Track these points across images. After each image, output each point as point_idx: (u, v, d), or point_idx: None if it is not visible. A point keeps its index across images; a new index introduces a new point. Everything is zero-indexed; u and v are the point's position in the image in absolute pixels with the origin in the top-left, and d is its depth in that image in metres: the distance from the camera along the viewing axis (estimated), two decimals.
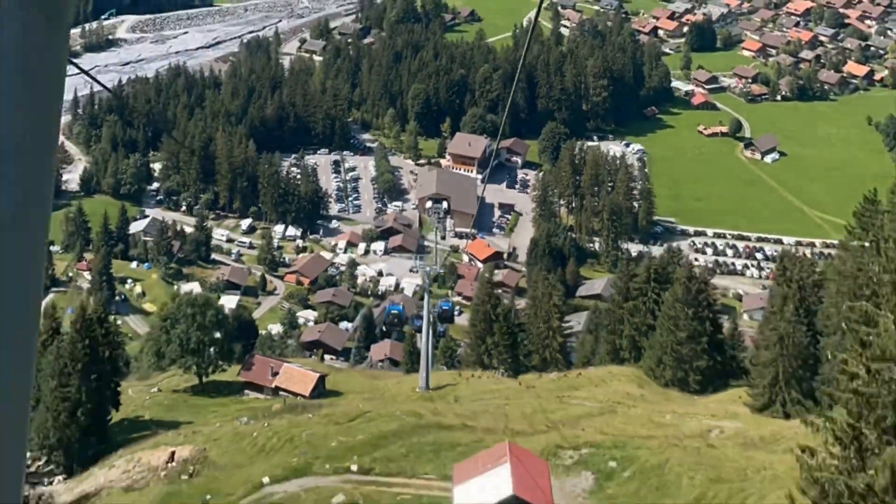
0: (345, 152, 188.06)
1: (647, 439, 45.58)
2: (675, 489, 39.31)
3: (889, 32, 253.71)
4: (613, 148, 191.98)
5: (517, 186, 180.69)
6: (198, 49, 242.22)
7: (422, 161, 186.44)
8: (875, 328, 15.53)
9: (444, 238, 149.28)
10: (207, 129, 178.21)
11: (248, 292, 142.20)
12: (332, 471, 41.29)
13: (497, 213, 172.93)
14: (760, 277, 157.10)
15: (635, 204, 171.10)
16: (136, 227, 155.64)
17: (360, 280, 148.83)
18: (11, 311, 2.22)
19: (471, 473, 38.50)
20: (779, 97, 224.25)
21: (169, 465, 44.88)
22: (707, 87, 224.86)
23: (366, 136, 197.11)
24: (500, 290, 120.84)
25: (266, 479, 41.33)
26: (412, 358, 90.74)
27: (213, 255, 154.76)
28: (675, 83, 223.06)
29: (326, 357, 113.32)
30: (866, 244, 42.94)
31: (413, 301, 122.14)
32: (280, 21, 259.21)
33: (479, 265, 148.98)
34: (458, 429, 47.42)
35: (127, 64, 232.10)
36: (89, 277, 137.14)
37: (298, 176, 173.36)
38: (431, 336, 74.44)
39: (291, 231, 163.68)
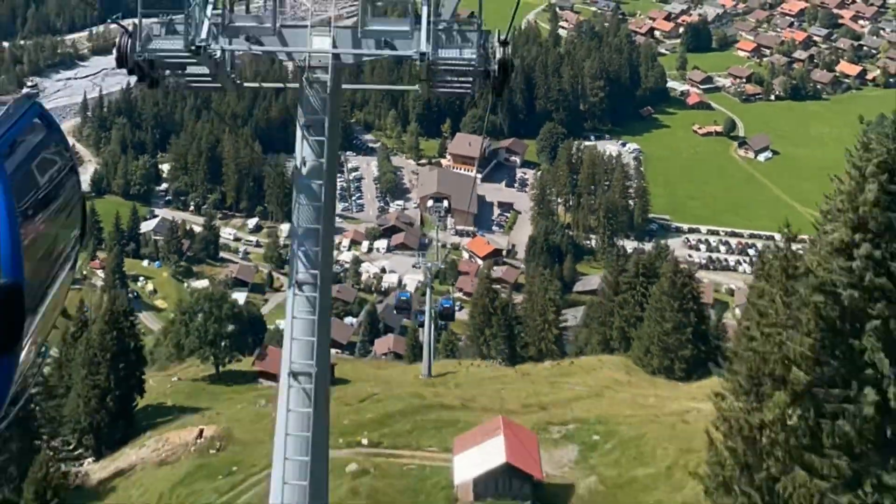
0: (348, 153, 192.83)
1: (628, 417, 50.43)
2: (651, 458, 44.15)
3: (882, 32, 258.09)
4: (610, 147, 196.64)
5: (516, 185, 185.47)
6: None
7: (423, 161, 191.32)
8: (769, 302, 20.30)
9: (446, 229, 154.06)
10: (214, 131, 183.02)
11: (256, 289, 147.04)
12: (346, 444, 46.16)
13: (496, 211, 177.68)
14: (752, 273, 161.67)
15: (631, 202, 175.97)
16: (146, 226, 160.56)
17: (363, 277, 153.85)
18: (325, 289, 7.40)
19: (469, 444, 43.41)
20: (772, 97, 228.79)
21: (198, 441, 49.79)
22: (702, 87, 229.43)
23: (368, 136, 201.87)
24: (499, 286, 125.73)
25: None
26: (414, 352, 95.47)
27: (222, 254, 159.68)
28: (670, 83, 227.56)
29: (332, 351, 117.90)
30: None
31: (416, 296, 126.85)
32: None
33: (480, 262, 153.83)
34: (458, 409, 52.32)
35: None
36: (103, 275, 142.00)
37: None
38: (433, 329, 79.16)
39: None
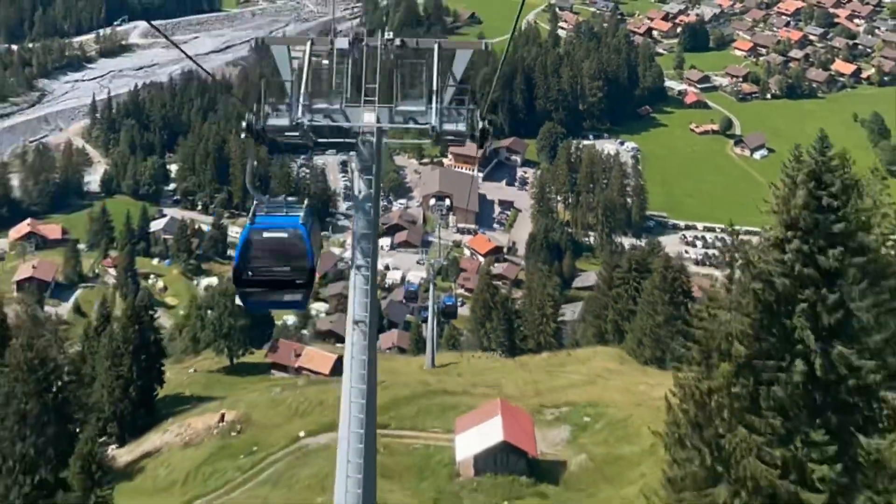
0: (351, 153, 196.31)
1: (617, 401, 54.39)
2: (636, 438, 48.08)
3: (877, 31, 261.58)
4: (608, 146, 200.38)
5: (516, 184, 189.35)
6: (208, 53, 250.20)
7: (425, 160, 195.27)
8: (716, 288, 24.19)
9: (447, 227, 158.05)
10: (221, 132, 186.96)
11: None
12: None
13: (497, 209, 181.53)
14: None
15: (629, 200, 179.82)
16: (156, 225, 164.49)
17: None
18: (374, 268, 13.31)
19: (469, 425, 47.45)
20: (768, 95, 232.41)
21: (220, 424, 53.84)
22: (699, 86, 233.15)
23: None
24: (500, 282, 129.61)
25: (302, 433, 50.34)
26: (418, 346, 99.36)
27: (230, 252, 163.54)
28: (668, 83, 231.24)
29: (338, 345, 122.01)
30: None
31: (419, 293, 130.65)
32: (287, 25, 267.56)
33: (481, 259, 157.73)
34: (460, 394, 56.37)
35: (140, 69, 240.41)
36: (115, 273, 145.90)
37: (308, 176, 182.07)
38: (436, 324, 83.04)
39: None
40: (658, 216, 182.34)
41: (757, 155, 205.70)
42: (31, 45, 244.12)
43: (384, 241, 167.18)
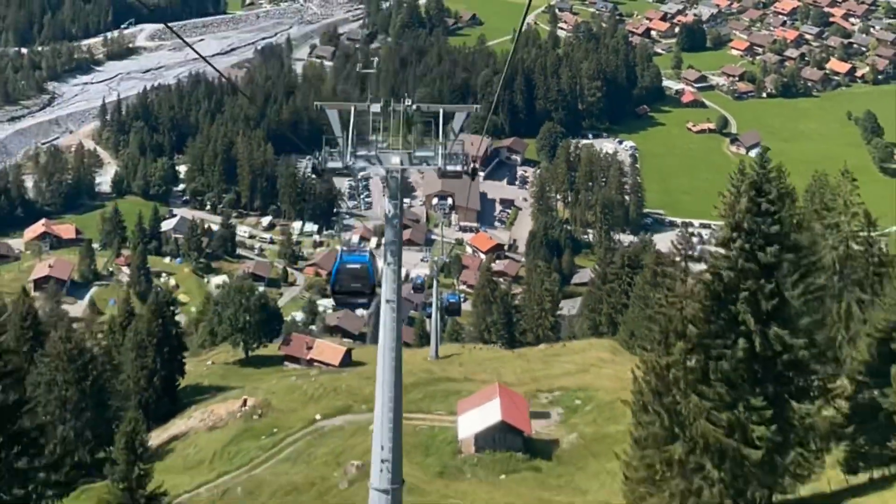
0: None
1: (607, 387, 59.07)
2: (623, 418, 52.48)
3: (871, 30, 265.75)
4: (607, 145, 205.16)
5: (517, 183, 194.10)
6: (214, 56, 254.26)
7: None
8: (674, 279, 28.88)
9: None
10: (228, 134, 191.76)
11: (272, 284, 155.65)
12: (367, 409, 54.88)
13: (498, 207, 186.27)
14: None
15: (626, 197, 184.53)
16: (166, 225, 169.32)
17: None
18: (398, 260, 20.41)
19: (470, 407, 52.27)
20: (764, 94, 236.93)
21: (242, 409, 58.71)
22: (696, 85, 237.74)
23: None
24: (500, 279, 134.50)
25: (318, 416, 55.20)
26: (422, 340, 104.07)
27: (238, 251, 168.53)
28: (665, 82, 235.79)
29: (346, 340, 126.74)
30: None
31: (425, 286, 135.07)
32: (291, 27, 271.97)
33: (482, 256, 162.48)
34: (462, 381, 61.17)
35: (148, 71, 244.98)
36: (128, 272, 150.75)
37: (314, 176, 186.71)
38: (440, 319, 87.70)
39: (309, 227, 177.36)
40: (655, 213, 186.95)
41: (752, 153, 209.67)
42: (40, 49, 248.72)
43: None
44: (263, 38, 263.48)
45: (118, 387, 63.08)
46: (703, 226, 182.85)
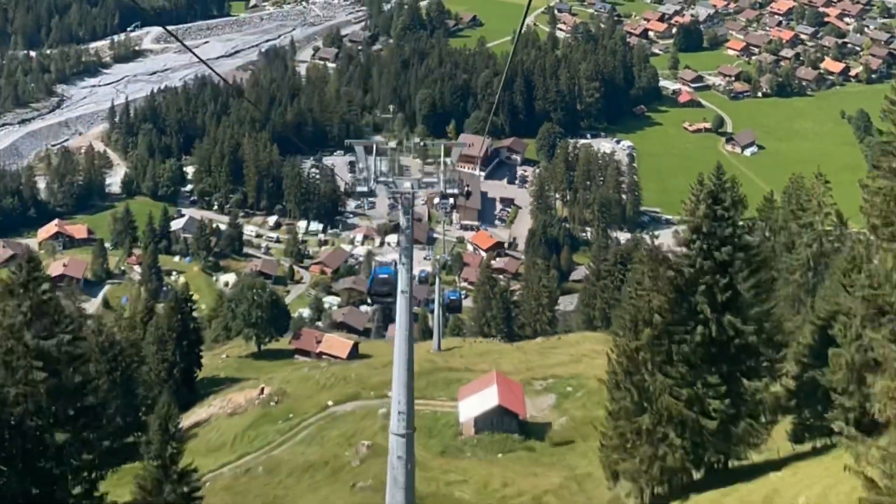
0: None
1: (597, 375, 63.76)
2: None
3: (866, 30, 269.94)
4: (605, 145, 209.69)
5: (517, 182, 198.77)
6: (218, 58, 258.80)
7: (429, 160, 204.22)
8: (641, 274, 33.85)
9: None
10: (234, 135, 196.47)
11: (278, 281, 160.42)
12: (376, 396, 59.79)
13: (498, 206, 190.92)
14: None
15: (624, 196, 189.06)
16: (176, 225, 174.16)
17: None
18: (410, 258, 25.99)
19: (469, 393, 57.05)
20: (759, 94, 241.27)
21: (260, 396, 63.53)
22: (693, 85, 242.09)
23: (377, 138, 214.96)
24: (500, 276, 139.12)
25: (330, 402, 60.02)
26: (425, 336, 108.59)
27: (246, 249, 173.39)
28: (662, 83, 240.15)
29: (352, 335, 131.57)
30: None
31: (425, 287, 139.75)
32: (294, 30, 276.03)
33: (483, 254, 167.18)
34: (462, 371, 65.93)
35: (154, 73, 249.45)
36: (139, 270, 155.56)
37: (318, 176, 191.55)
38: (442, 314, 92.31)
39: (314, 226, 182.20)
40: (652, 212, 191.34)
41: (747, 152, 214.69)
42: (48, 52, 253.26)
43: (391, 239, 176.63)
44: (267, 41, 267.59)
45: (145, 377, 67.75)
46: None
